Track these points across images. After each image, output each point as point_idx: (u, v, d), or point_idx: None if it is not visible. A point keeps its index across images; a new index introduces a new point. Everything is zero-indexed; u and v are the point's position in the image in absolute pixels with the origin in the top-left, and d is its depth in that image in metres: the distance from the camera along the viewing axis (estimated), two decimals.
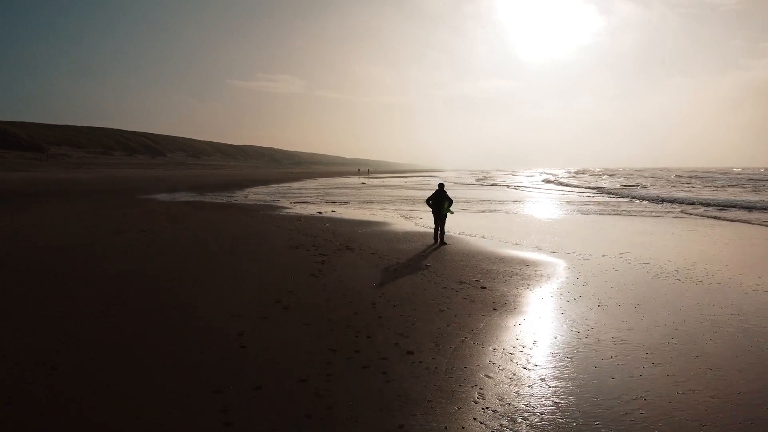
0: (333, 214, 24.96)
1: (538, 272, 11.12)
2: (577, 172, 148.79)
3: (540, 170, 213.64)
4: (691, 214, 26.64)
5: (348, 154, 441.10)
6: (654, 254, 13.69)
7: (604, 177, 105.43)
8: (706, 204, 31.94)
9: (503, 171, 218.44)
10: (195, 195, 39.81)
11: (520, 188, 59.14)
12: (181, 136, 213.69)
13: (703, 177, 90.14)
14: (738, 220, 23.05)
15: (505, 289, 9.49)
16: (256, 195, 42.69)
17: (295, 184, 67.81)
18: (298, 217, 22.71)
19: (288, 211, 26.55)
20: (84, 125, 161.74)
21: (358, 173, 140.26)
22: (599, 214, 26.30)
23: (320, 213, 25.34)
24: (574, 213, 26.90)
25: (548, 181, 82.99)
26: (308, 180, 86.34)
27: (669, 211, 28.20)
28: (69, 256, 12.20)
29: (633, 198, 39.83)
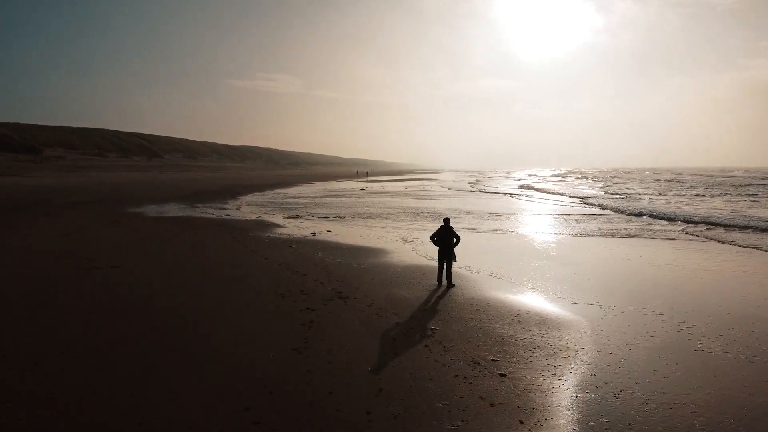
0: (328, 236, 23.38)
1: (562, 342, 9.46)
2: (563, 174, 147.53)
3: (532, 171, 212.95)
4: (693, 234, 24.70)
5: (346, 153, 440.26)
6: (686, 305, 12.08)
7: (589, 179, 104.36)
8: (704, 222, 29.04)
9: (499, 172, 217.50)
10: (185, 207, 38.11)
11: (515, 197, 57.34)
12: (177, 136, 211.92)
13: (689, 180, 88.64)
14: (752, 247, 21.00)
15: (528, 378, 7.82)
16: (249, 206, 41.03)
17: (292, 190, 66.25)
18: (290, 242, 21.07)
19: (280, 231, 24.93)
20: (78, 126, 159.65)
21: (356, 176, 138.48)
22: (600, 236, 24.39)
23: (314, 234, 23.75)
24: (572, 233, 25.03)
25: (528, 187, 79.51)
26: (305, 184, 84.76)
27: (669, 230, 26.37)
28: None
29: (620, 211, 36.99)
